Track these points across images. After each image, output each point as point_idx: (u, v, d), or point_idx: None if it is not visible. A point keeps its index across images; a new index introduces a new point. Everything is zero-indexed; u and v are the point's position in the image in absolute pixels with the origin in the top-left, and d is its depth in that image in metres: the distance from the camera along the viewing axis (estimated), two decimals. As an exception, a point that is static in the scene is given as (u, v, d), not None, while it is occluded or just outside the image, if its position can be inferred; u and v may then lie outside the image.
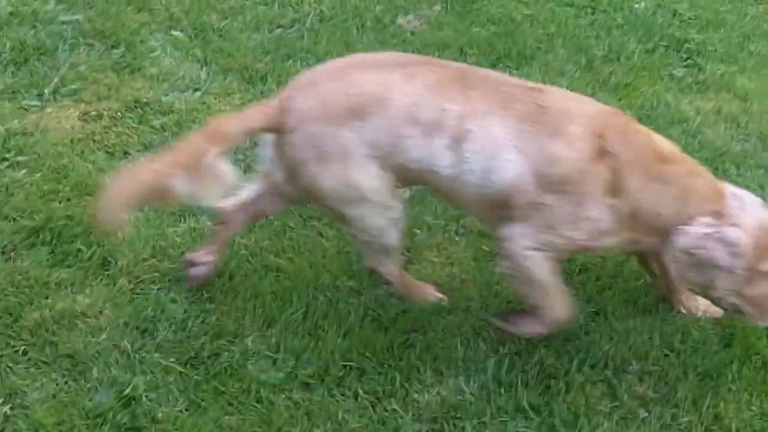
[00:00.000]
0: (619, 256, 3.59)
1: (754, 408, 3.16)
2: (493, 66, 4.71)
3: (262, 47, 4.78)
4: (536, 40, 5.02)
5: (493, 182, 3.06)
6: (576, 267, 3.59)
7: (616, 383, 3.19)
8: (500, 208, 3.10)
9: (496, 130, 3.03)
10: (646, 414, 3.12)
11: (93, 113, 4.23)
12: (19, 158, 3.92)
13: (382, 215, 3.17)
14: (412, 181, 3.25)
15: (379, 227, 3.19)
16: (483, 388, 3.15)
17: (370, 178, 3.09)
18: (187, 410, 2.99)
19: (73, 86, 4.38)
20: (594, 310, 3.45)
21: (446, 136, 3.05)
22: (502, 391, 3.14)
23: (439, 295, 3.46)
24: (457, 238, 3.74)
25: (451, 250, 3.67)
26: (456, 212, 3.78)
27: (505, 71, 4.68)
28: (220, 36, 4.84)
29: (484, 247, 3.67)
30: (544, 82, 4.56)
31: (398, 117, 3.05)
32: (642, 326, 3.40)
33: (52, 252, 3.49)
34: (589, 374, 3.21)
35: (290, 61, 4.68)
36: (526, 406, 3.10)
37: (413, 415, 3.06)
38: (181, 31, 4.83)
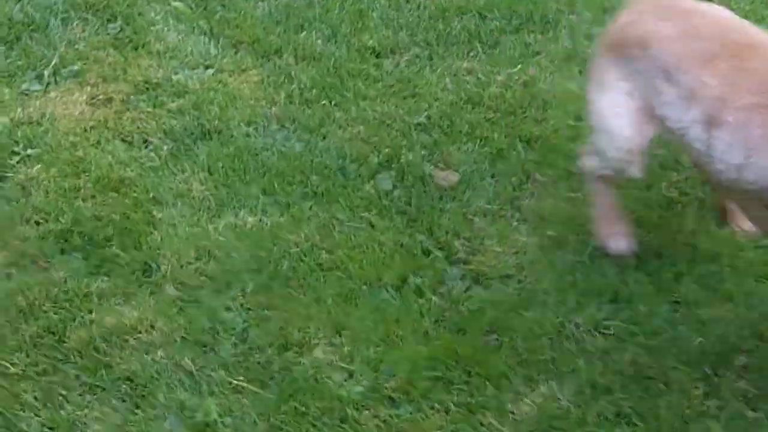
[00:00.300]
0: (693, 240, 3.37)
1: None
2: (516, 32, 4.44)
3: (270, 17, 4.41)
4: (559, 3, 4.74)
5: (746, 179, 2.85)
6: (649, 252, 3.36)
7: (716, 381, 2.97)
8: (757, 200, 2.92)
9: (755, 130, 2.78)
10: (755, 414, 2.92)
11: (101, 97, 3.86)
12: (30, 151, 3.56)
13: (618, 154, 3.11)
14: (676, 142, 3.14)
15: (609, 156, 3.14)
16: (579, 393, 2.90)
17: (617, 116, 3.05)
18: (269, 436, 2.71)
19: (75, 67, 3.99)
20: (675, 299, 3.23)
21: (700, 112, 2.87)
22: (600, 395, 2.90)
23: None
24: (515, 224, 3.47)
25: (515, 238, 3.39)
26: (511, 195, 3.52)
27: (529, 37, 4.42)
28: (224, 5, 4.47)
29: (549, 232, 3.41)
30: (574, 47, 4.36)
31: (655, 69, 2.94)
32: (729, 315, 3.18)
33: (86, 259, 3.16)
34: (687, 372, 2.99)
35: (304, 32, 4.33)
36: (629, 412, 2.86)
37: (511, 429, 2.81)
38: (180, 0, 4.45)
